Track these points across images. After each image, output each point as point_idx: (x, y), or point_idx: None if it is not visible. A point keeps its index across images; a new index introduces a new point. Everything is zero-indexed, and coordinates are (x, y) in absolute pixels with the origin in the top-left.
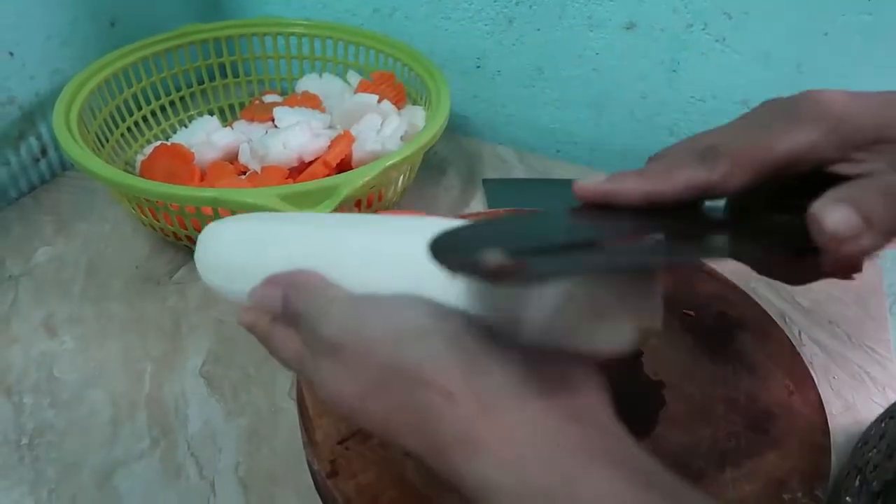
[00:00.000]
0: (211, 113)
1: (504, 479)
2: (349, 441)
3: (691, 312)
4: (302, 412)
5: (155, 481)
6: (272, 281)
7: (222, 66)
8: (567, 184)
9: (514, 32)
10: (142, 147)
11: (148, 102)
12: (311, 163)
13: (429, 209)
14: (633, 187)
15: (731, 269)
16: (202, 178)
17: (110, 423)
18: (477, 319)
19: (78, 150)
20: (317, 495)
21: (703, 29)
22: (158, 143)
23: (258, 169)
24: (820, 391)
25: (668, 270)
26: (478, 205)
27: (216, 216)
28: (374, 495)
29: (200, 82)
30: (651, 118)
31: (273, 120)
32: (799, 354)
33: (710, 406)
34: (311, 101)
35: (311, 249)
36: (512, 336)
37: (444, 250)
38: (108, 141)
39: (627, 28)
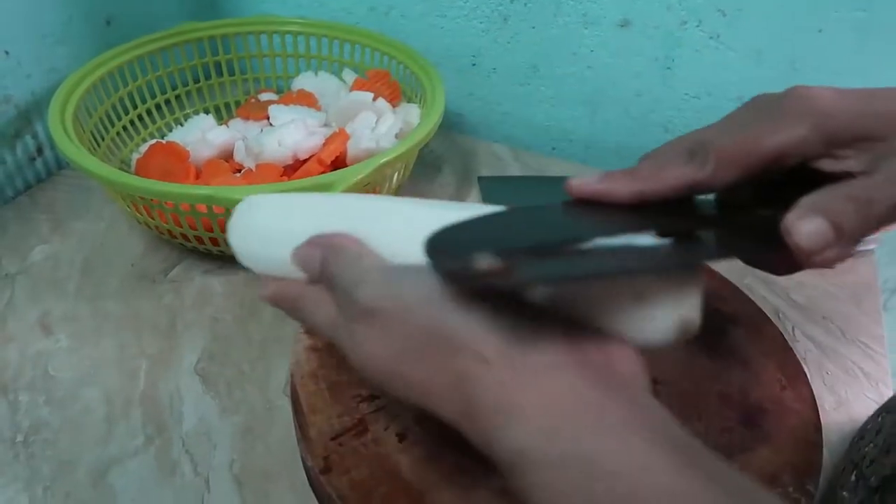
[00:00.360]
0: (206, 111)
1: (539, 446)
2: (343, 437)
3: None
4: (296, 409)
5: (150, 478)
6: (313, 242)
7: (218, 65)
8: (561, 181)
9: (509, 30)
10: (137, 145)
11: (143, 101)
12: (305, 161)
13: None
14: (625, 186)
15: (726, 266)
16: (197, 176)
17: (105, 420)
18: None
19: (73, 149)
20: (311, 491)
21: (698, 26)
22: (154, 141)
23: (253, 167)
24: (813, 387)
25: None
26: (473, 202)
27: (211, 214)
28: (368, 491)
29: (196, 81)
30: (646, 115)
31: (268, 118)
32: (792, 350)
33: (703, 401)
34: (307, 100)
35: (350, 219)
36: (552, 312)
37: (439, 250)
38: (103, 139)
39: (622, 25)
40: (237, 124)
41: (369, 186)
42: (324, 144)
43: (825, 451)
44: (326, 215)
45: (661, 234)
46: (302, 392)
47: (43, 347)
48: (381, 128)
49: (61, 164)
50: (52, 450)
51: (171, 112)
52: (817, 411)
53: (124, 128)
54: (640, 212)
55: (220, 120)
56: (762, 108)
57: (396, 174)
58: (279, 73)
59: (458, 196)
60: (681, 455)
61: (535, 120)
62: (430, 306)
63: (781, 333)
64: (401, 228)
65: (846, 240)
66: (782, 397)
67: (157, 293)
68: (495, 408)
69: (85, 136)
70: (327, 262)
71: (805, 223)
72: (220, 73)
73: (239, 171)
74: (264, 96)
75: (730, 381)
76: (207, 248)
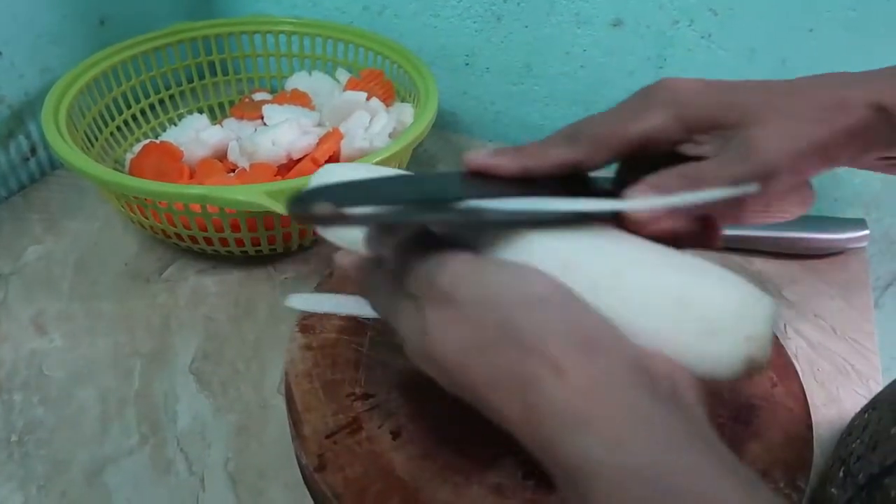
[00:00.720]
0: (200, 111)
1: (605, 458)
2: (337, 435)
3: None
4: (290, 407)
5: (144, 477)
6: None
7: (212, 65)
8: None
9: (502, 30)
10: (131, 145)
11: (137, 101)
12: (299, 160)
13: None
14: (512, 161)
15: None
16: (191, 176)
17: (100, 419)
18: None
19: (67, 149)
20: (305, 489)
21: (689, 25)
22: (148, 141)
23: (247, 166)
24: (805, 383)
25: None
26: None
27: (205, 214)
28: (362, 489)
29: (190, 80)
30: None
31: (262, 118)
32: (783, 347)
33: None
34: (301, 99)
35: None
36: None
37: (296, 201)
38: (97, 139)
39: (614, 25)
40: (231, 124)
41: None
42: (318, 144)
43: (816, 447)
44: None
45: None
46: (296, 390)
47: (37, 347)
48: (374, 127)
49: (55, 165)
50: (46, 449)
51: (165, 112)
52: (808, 408)
53: (118, 128)
54: (526, 184)
55: (214, 120)
56: (636, 98)
57: None
58: (273, 72)
59: None
60: (747, 486)
61: (529, 119)
62: (510, 304)
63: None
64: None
65: (675, 215)
66: (773, 394)
67: (151, 293)
68: (563, 416)
69: (78, 137)
70: (402, 243)
71: (637, 195)
72: (213, 73)
73: (233, 170)
74: (258, 96)
75: None
76: (201, 247)
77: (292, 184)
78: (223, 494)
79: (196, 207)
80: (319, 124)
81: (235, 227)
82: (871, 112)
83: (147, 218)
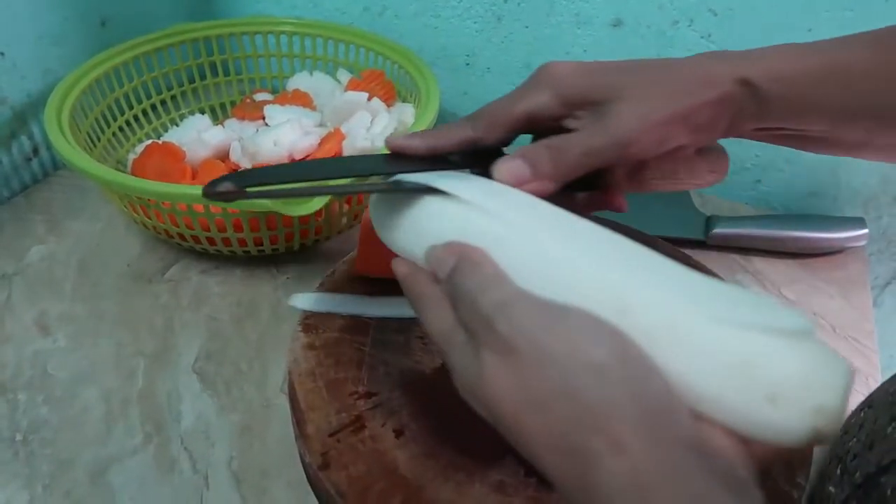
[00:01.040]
0: (202, 112)
1: None
2: (340, 434)
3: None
4: (294, 406)
5: (149, 476)
6: (450, 247)
7: (213, 65)
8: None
9: (502, 30)
10: (133, 146)
11: (139, 101)
12: (301, 160)
13: None
14: (420, 142)
15: (718, 266)
16: (194, 177)
17: (104, 419)
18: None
19: (70, 149)
20: (309, 488)
21: (689, 25)
22: (150, 141)
23: (249, 167)
24: None
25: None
26: None
27: (207, 214)
28: (366, 487)
29: (191, 81)
30: None
31: (264, 118)
32: None
33: None
34: (302, 100)
35: (488, 233)
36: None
37: (209, 184)
38: (99, 140)
39: (614, 25)
40: (233, 124)
41: None
42: (319, 144)
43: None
44: (463, 222)
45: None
46: (300, 389)
47: (41, 347)
48: (376, 127)
49: (57, 165)
50: (51, 448)
51: (167, 112)
52: None
53: (120, 128)
54: (436, 161)
55: (216, 120)
56: (526, 81)
57: None
58: (274, 73)
59: None
60: None
61: None
62: (572, 369)
63: None
64: (531, 260)
65: (542, 177)
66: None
67: (153, 293)
68: (622, 496)
69: (81, 137)
70: (458, 273)
71: (506, 163)
72: (215, 74)
73: (235, 171)
74: (259, 96)
75: None
76: (204, 247)
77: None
78: (227, 493)
79: (199, 207)
80: (321, 125)
81: (238, 227)
82: (738, 86)
83: (150, 218)
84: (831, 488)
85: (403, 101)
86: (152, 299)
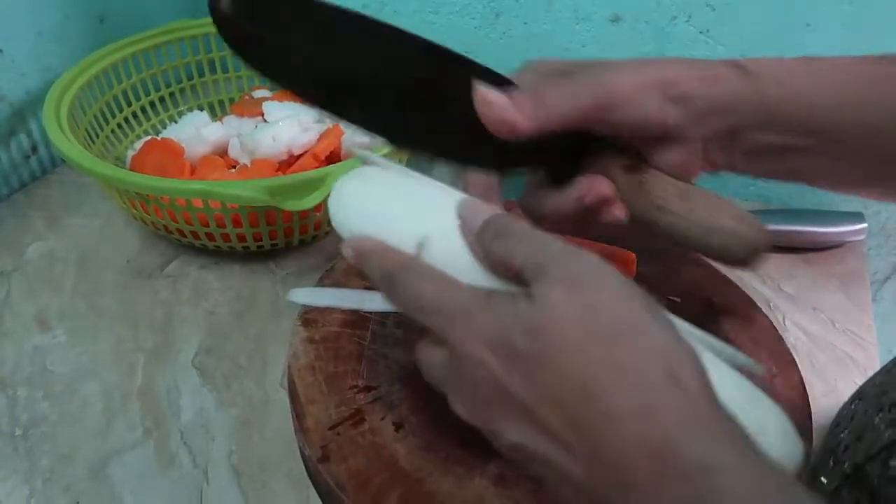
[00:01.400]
0: (201, 108)
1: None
2: (340, 427)
3: (677, 299)
4: (293, 399)
5: (149, 470)
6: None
7: (212, 62)
8: None
9: (501, 26)
10: (132, 143)
11: (138, 98)
12: (300, 156)
13: None
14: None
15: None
16: (192, 173)
17: (103, 414)
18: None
19: (69, 146)
20: (308, 481)
21: (687, 21)
22: (149, 138)
23: (248, 163)
24: (804, 375)
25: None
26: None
27: (207, 209)
28: (365, 479)
29: (190, 78)
30: None
31: (262, 115)
32: (782, 339)
33: None
34: None
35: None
36: None
37: None
38: (98, 137)
39: (613, 21)
40: (231, 121)
41: None
42: (318, 140)
43: (815, 436)
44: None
45: None
46: (299, 383)
47: (40, 343)
48: None
49: (56, 162)
50: (50, 443)
51: (166, 109)
52: (807, 398)
53: (119, 125)
54: None
55: (215, 117)
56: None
57: None
58: None
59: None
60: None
61: None
62: (634, 311)
63: (772, 323)
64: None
65: (519, 116)
66: (773, 385)
67: (153, 288)
68: (686, 420)
69: (80, 134)
70: (503, 217)
71: (487, 90)
72: (213, 71)
73: (234, 167)
74: (258, 93)
75: None
76: (203, 243)
77: (293, 179)
78: (227, 487)
79: (198, 203)
80: (319, 120)
81: (237, 223)
82: (730, 68)
83: (149, 214)
84: (823, 479)
85: None
86: (152, 295)
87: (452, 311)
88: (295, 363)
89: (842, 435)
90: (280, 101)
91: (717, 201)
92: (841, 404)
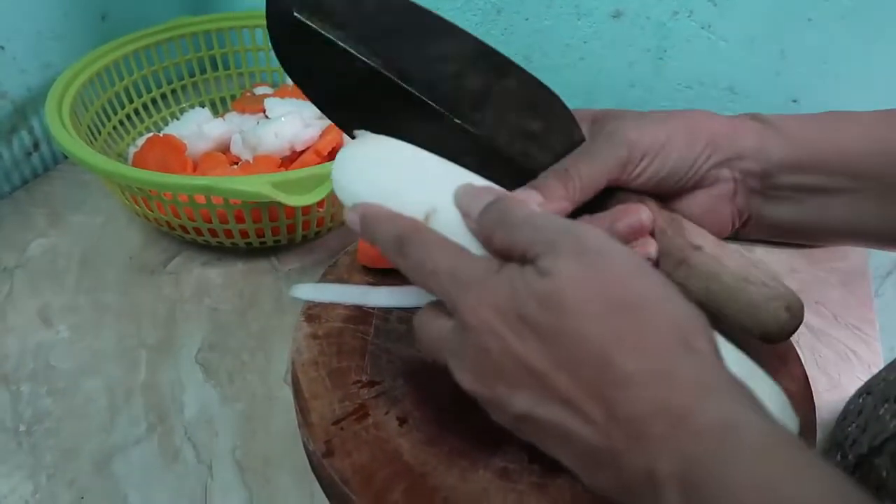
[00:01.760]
0: (202, 105)
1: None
2: (344, 422)
3: None
4: (297, 394)
5: (153, 465)
6: (487, 188)
7: (213, 59)
8: None
9: (502, 22)
10: (134, 139)
11: (139, 95)
12: (302, 152)
13: None
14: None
15: None
16: (195, 169)
17: (107, 409)
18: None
19: (72, 142)
20: (313, 476)
21: (689, 16)
22: (150, 134)
23: (250, 159)
24: (807, 369)
25: None
26: None
27: (209, 205)
28: (370, 474)
29: (191, 75)
30: (639, 106)
31: (264, 111)
32: None
33: None
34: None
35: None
36: None
37: None
38: (100, 134)
39: (614, 16)
40: (233, 118)
41: None
42: (320, 136)
43: (819, 430)
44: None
45: None
46: (303, 378)
47: (43, 339)
48: None
49: (57, 159)
50: (54, 439)
51: (167, 106)
52: (811, 391)
53: (120, 122)
54: None
55: (216, 114)
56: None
57: None
58: (274, 66)
59: None
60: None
61: None
62: (644, 282)
63: None
64: None
65: (555, 204)
66: (776, 378)
67: (156, 285)
68: (704, 379)
69: (82, 131)
70: (502, 202)
71: (520, 192)
72: (215, 68)
73: (236, 163)
74: (259, 90)
75: None
76: (206, 239)
77: (296, 174)
78: (231, 482)
79: (200, 199)
80: (321, 117)
81: (240, 219)
82: (749, 119)
83: (151, 210)
84: None
85: None
86: (154, 291)
87: (466, 277)
88: (298, 359)
89: (849, 429)
90: (282, 97)
91: (749, 258)
92: (844, 399)
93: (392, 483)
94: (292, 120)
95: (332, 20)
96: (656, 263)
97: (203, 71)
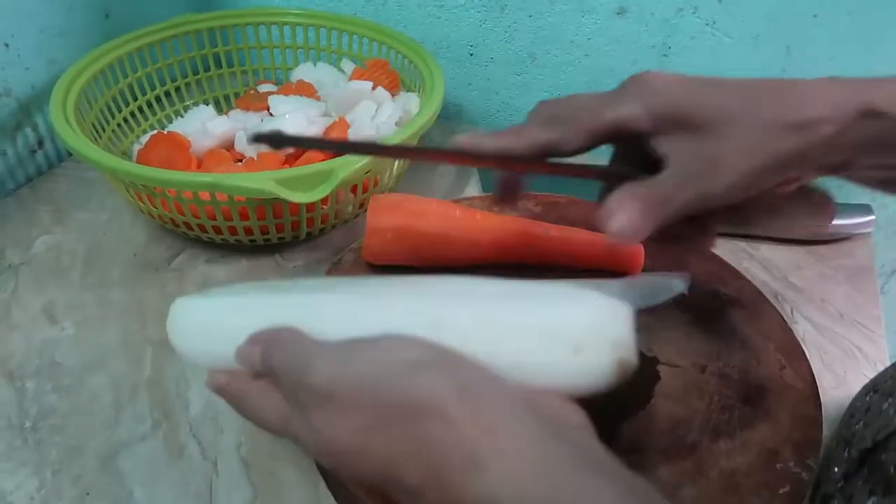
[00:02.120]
0: (206, 103)
1: (505, 493)
2: None
3: (685, 291)
4: None
5: (158, 462)
6: (253, 339)
7: (217, 56)
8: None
9: (506, 19)
10: (138, 137)
11: (143, 93)
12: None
13: (424, 194)
14: (489, 142)
15: (725, 250)
16: (199, 166)
17: (112, 406)
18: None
19: (77, 139)
20: (317, 471)
21: (694, 13)
22: (155, 132)
23: (254, 156)
24: (812, 367)
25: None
26: (472, 190)
27: (214, 202)
28: None
29: (195, 73)
30: None
31: (268, 108)
32: (790, 330)
33: (704, 380)
34: (306, 90)
35: (291, 314)
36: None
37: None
38: (104, 131)
39: (619, 13)
40: (237, 115)
41: (370, 174)
42: (324, 133)
43: (826, 429)
44: (264, 309)
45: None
46: None
47: (48, 336)
48: (380, 116)
49: (62, 157)
50: (60, 435)
51: (171, 104)
52: (816, 388)
53: (125, 119)
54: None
55: (220, 111)
56: (619, 87)
57: (397, 162)
58: (278, 64)
59: (458, 185)
60: (637, 496)
61: None
62: (390, 374)
63: (780, 314)
64: (339, 316)
65: (644, 230)
66: (782, 376)
67: (160, 282)
68: (462, 462)
69: (86, 128)
70: (269, 356)
71: (611, 220)
72: (219, 65)
73: (240, 160)
74: (263, 87)
75: (730, 360)
76: (210, 236)
77: (301, 171)
78: (236, 478)
79: (205, 195)
80: (325, 114)
81: (244, 216)
82: (861, 119)
83: (156, 207)
84: (835, 468)
85: (408, 91)
86: (159, 288)
87: (281, 434)
88: None
89: (856, 426)
90: (286, 94)
91: None
92: (850, 396)
93: None
94: (296, 117)
95: None
96: None
97: (207, 68)
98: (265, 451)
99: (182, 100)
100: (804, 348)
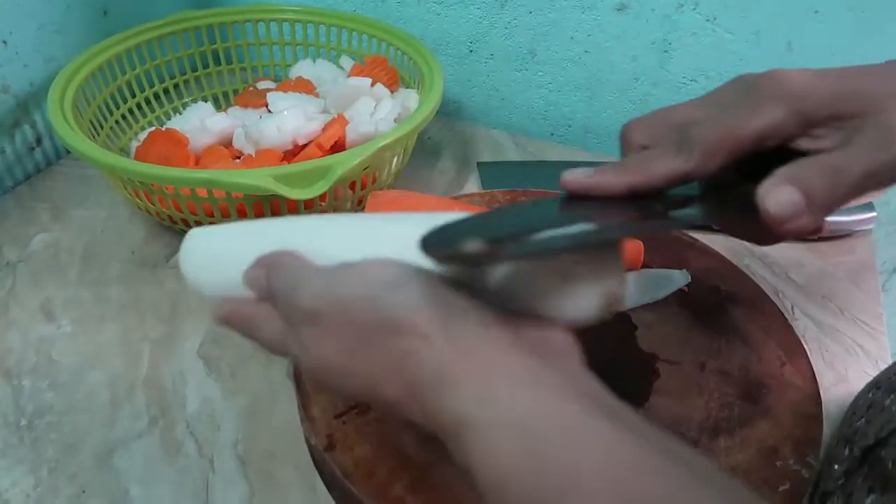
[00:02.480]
0: (205, 100)
1: (478, 412)
2: (346, 415)
3: (685, 287)
4: (299, 389)
5: (154, 459)
6: (259, 262)
7: (216, 53)
8: (559, 166)
9: (506, 15)
10: (136, 134)
11: (142, 90)
12: (305, 146)
13: (423, 191)
14: (616, 180)
15: (725, 247)
16: (197, 163)
17: (109, 403)
18: (451, 278)
19: (74, 136)
20: (315, 470)
21: (694, 9)
22: (153, 129)
23: (253, 153)
24: (813, 363)
25: (643, 238)
26: (472, 187)
27: (211, 199)
28: (372, 468)
29: (194, 69)
30: (643, 99)
31: (267, 105)
32: (791, 327)
33: (704, 377)
34: (305, 87)
35: (295, 238)
36: (484, 296)
37: (433, 244)
38: (102, 128)
39: (619, 9)
40: (235, 112)
41: (369, 170)
42: (323, 129)
43: (826, 426)
44: (272, 238)
45: (643, 215)
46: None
47: (45, 333)
48: (379, 112)
49: (60, 154)
50: (56, 433)
51: (170, 101)
52: (817, 386)
53: (123, 116)
54: (629, 201)
55: (219, 108)
56: (741, 91)
57: (396, 158)
58: (277, 61)
59: (458, 182)
60: (613, 417)
61: (534, 105)
62: (367, 295)
63: (781, 312)
64: (338, 239)
65: (817, 209)
66: (782, 373)
67: (158, 279)
68: (436, 380)
69: (84, 125)
70: (271, 278)
71: (777, 192)
72: (217, 62)
73: (238, 157)
74: (262, 84)
75: (730, 357)
76: None
77: (298, 167)
78: (233, 476)
79: (202, 192)
80: (324, 111)
81: (242, 212)
82: None
83: (153, 204)
84: (836, 466)
85: (407, 88)
86: (157, 285)
87: (280, 354)
88: None
89: (858, 423)
90: (284, 91)
91: None
92: (852, 393)
93: (394, 477)
94: (294, 114)
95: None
96: None
97: (205, 65)
98: (262, 449)
99: (180, 97)
100: (805, 345)
